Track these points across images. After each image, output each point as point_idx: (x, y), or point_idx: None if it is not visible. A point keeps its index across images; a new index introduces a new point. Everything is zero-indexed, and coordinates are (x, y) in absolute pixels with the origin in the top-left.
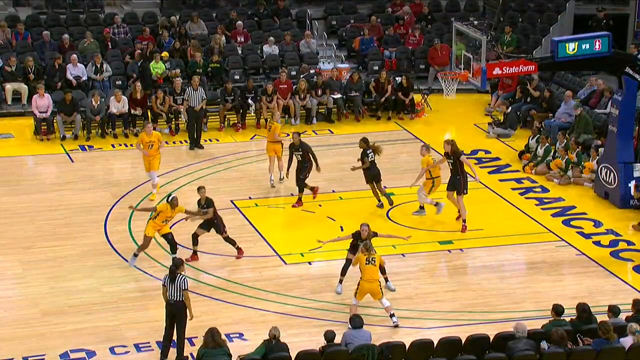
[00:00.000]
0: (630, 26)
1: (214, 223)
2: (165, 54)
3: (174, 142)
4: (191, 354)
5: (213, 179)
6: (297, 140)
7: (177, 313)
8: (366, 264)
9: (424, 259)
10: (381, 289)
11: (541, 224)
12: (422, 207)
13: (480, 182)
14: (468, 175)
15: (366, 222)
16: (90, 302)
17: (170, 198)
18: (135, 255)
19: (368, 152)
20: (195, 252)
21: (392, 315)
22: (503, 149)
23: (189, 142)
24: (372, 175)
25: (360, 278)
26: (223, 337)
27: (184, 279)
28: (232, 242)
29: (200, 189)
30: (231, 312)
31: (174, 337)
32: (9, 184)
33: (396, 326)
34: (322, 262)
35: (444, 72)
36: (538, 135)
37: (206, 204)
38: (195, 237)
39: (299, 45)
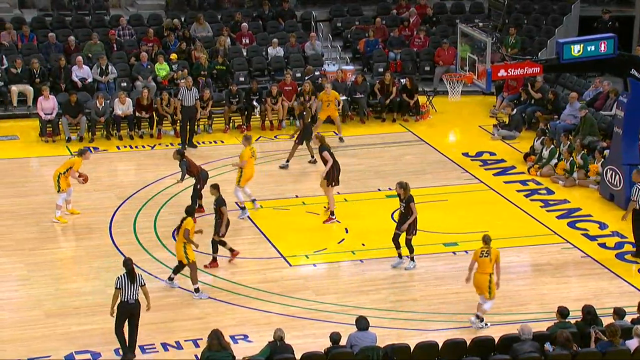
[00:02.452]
0: (636, 28)
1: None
2: (174, 55)
3: (179, 144)
4: (196, 356)
5: (218, 180)
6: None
7: (135, 313)
8: (480, 256)
9: (428, 261)
10: (490, 288)
11: (546, 226)
12: (243, 208)
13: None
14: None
15: (403, 181)
16: (95, 304)
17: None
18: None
19: (304, 113)
20: (214, 259)
21: (481, 319)
22: (508, 151)
23: (180, 142)
24: (307, 135)
25: (476, 272)
26: (227, 339)
27: (140, 276)
28: (215, 250)
29: (213, 186)
30: (236, 314)
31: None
32: (14, 185)
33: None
34: (327, 264)
35: (449, 74)
36: (543, 137)
37: (216, 203)
38: (215, 244)
39: (304, 47)
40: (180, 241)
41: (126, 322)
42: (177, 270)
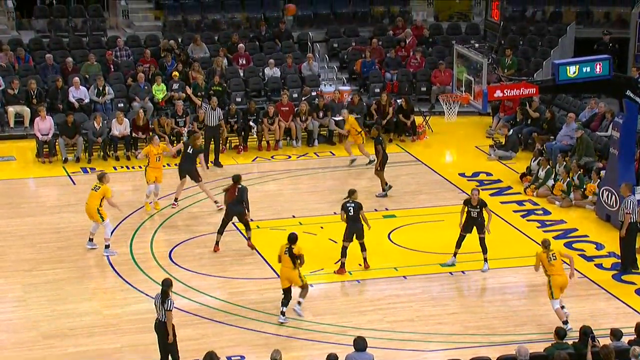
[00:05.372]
0: (631, 49)
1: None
2: (175, 73)
3: (175, 165)
4: None
5: (215, 200)
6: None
7: (160, 333)
8: (549, 261)
9: (425, 282)
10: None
11: None
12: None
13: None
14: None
15: (476, 188)
16: (91, 325)
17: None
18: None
19: (380, 138)
20: (343, 265)
21: (565, 322)
22: (504, 172)
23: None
24: (385, 161)
25: (549, 276)
26: None
27: (170, 300)
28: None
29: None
30: (233, 335)
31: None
32: (10, 206)
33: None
34: (324, 284)
35: (446, 95)
36: (540, 158)
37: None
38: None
39: (301, 68)
40: (294, 268)
41: None
42: (287, 300)
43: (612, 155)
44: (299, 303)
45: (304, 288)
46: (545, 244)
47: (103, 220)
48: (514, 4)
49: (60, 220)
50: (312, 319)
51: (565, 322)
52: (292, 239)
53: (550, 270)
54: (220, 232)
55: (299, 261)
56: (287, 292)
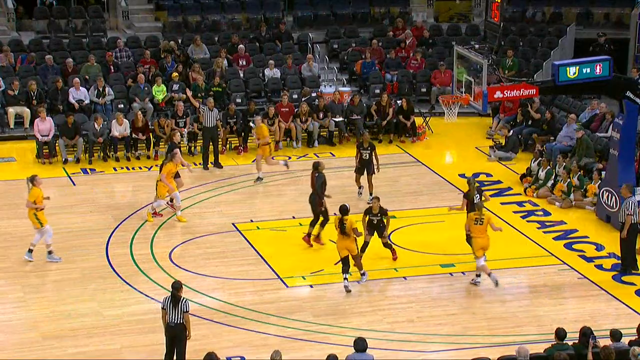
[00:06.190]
0: (631, 50)
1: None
2: (175, 74)
3: (199, 164)
4: None
5: (215, 201)
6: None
7: (177, 335)
8: (475, 224)
9: (425, 282)
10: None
11: (543, 247)
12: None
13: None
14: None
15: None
16: (91, 326)
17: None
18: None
19: (373, 144)
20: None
21: (478, 275)
22: (504, 172)
23: (202, 162)
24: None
25: (473, 238)
26: None
27: (185, 302)
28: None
29: (374, 199)
30: (232, 335)
31: None
32: (10, 207)
33: (475, 284)
34: (324, 285)
35: (446, 96)
36: (540, 159)
37: (380, 212)
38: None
39: (301, 69)
40: (350, 237)
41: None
42: (347, 267)
43: (612, 156)
44: (363, 275)
45: (358, 257)
46: (478, 206)
47: (42, 226)
48: (514, 4)
49: (60, 221)
50: (311, 320)
51: (490, 274)
52: (344, 210)
53: (473, 232)
54: (322, 224)
55: (353, 233)
56: (345, 261)
